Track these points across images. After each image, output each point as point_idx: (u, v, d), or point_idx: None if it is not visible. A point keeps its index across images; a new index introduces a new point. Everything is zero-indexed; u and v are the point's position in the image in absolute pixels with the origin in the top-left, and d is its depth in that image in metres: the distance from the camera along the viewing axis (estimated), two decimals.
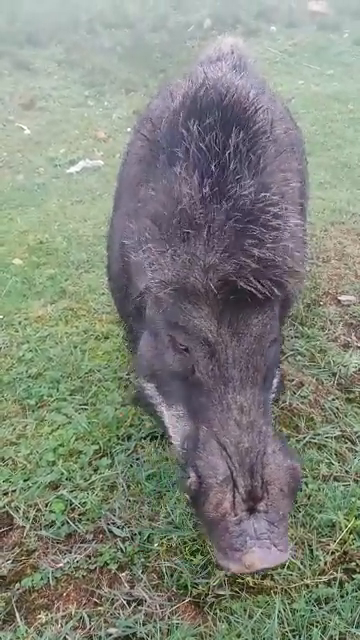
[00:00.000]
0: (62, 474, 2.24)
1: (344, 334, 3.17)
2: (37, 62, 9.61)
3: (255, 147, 1.45)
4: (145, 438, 2.43)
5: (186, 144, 1.44)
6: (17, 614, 1.66)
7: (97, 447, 2.38)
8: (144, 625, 1.61)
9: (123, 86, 8.58)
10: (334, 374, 2.82)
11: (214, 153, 1.40)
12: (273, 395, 1.78)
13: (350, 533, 1.84)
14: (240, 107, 1.48)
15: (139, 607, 1.67)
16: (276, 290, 1.40)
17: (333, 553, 1.80)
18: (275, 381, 1.78)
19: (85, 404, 2.66)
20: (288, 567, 1.73)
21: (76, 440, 2.43)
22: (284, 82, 8.28)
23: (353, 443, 2.36)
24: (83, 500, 2.11)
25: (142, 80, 8.66)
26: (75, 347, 3.07)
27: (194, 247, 1.39)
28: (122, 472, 2.23)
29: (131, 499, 2.11)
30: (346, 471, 2.18)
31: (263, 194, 1.39)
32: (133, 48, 9.48)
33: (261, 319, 1.48)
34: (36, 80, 9.06)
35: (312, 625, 1.58)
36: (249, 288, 1.36)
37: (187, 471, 1.47)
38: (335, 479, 2.13)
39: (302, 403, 2.61)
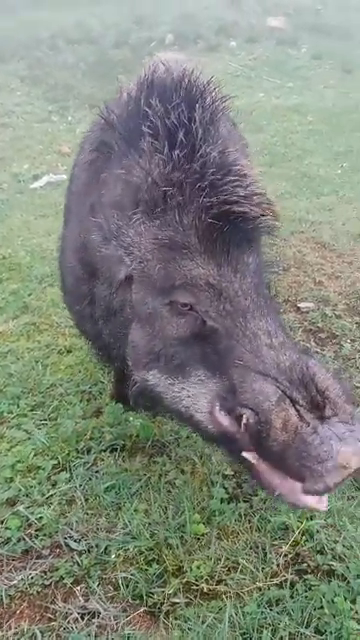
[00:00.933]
0: (20, 490, 2.22)
1: (303, 340, 3.23)
2: None
3: (214, 119, 1.58)
4: (105, 450, 2.43)
5: (152, 120, 1.54)
6: None
7: (56, 462, 2.36)
8: (96, 637, 1.60)
9: (86, 101, 8.62)
10: None
11: (182, 125, 1.51)
12: None
13: (302, 535, 1.87)
14: (198, 86, 1.62)
15: (92, 620, 1.65)
16: (261, 216, 1.47)
17: (286, 555, 1.82)
18: None
19: (45, 419, 2.64)
20: (241, 571, 1.74)
21: (35, 455, 2.41)
22: (245, 95, 8.44)
23: None
24: (40, 515, 2.09)
25: (105, 95, 8.68)
26: (37, 362, 3.05)
27: (178, 202, 1.47)
28: (80, 485, 2.22)
29: (89, 512, 2.10)
30: None
31: (228, 151, 1.51)
32: (96, 64, 9.56)
33: (253, 258, 1.53)
34: None
35: (263, 627, 1.59)
36: (241, 210, 1.44)
37: (237, 413, 1.40)
38: None
39: None
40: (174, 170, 1.48)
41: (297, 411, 1.31)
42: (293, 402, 1.33)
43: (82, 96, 8.80)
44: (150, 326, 1.66)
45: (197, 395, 1.57)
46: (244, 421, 1.37)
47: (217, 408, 1.49)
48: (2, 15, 12.40)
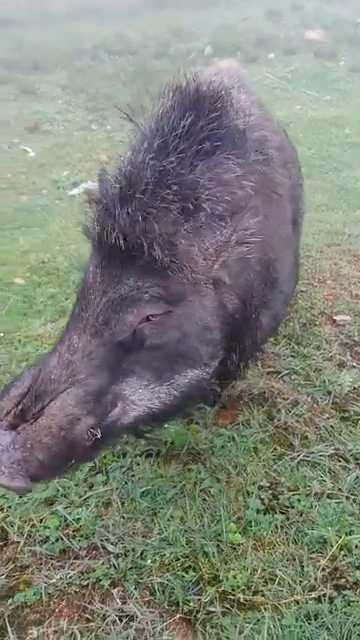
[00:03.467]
0: (57, 490, 2.25)
1: (339, 353, 3.20)
2: (42, 87, 9.83)
3: (198, 134, 1.58)
4: (140, 455, 2.45)
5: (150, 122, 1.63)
6: (9, 629, 1.67)
7: (92, 464, 2.40)
8: None
9: (126, 111, 8.75)
10: (329, 393, 2.84)
11: (165, 134, 1.56)
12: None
13: (341, 549, 1.86)
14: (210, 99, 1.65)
15: (130, 623, 1.67)
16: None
17: (323, 569, 1.81)
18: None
19: None
20: (279, 583, 1.74)
21: None
22: (283, 107, 8.44)
23: (347, 461, 2.37)
24: (77, 516, 2.12)
25: (144, 105, 8.83)
26: None
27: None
28: (117, 489, 2.25)
29: (125, 516, 2.13)
30: (339, 489, 2.20)
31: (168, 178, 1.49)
32: (136, 74, 9.69)
33: (130, 279, 1.51)
34: (41, 104, 9.26)
35: None
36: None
37: None
38: (327, 496, 2.14)
39: (297, 421, 2.63)
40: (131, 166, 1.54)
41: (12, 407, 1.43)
42: (19, 400, 1.44)
43: (121, 105, 8.93)
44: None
45: None
46: None
47: None
48: (46, 26, 12.73)
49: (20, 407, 1.41)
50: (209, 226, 1.53)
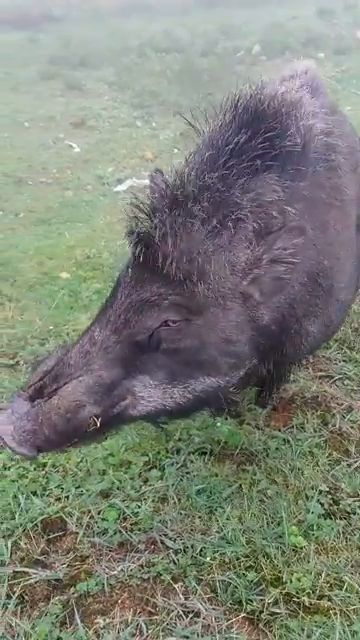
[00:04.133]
0: (113, 483, 2.28)
1: None
2: (88, 83, 9.94)
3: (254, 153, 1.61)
4: (194, 453, 2.46)
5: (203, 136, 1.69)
6: (77, 617, 1.70)
7: (147, 459, 2.42)
8: (202, 637, 1.62)
9: (171, 108, 8.77)
10: None
11: (217, 147, 1.62)
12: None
13: None
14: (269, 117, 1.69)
15: (195, 619, 1.68)
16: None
17: None
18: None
19: None
20: (346, 589, 1.72)
21: (126, 451, 2.47)
22: None
23: None
24: (135, 510, 2.14)
25: (190, 103, 8.83)
26: None
27: None
28: (172, 485, 2.26)
29: (182, 512, 2.14)
30: None
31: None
32: (182, 72, 9.70)
33: (154, 286, 1.58)
34: (87, 100, 9.36)
35: None
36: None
37: None
38: None
39: (352, 427, 2.60)
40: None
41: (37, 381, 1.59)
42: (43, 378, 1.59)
43: (167, 103, 8.96)
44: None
45: None
46: None
47: None
48: (94, 23, 12.87)
49: (40, 384, 1.56)
50: (239, 243, 1.56)
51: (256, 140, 1.63)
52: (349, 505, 2.11)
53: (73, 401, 1.51)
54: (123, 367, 1.56)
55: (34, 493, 2.24)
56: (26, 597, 1.84)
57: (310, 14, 13.36)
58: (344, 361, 3.13)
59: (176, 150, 7.32)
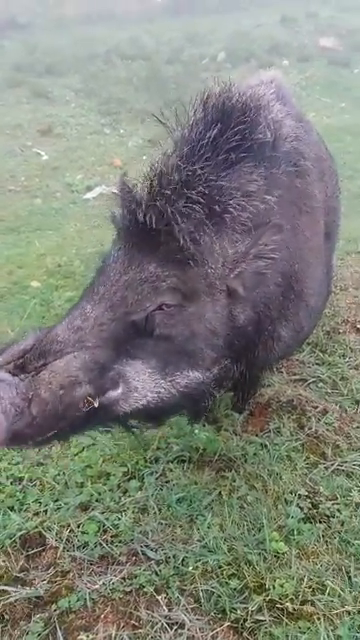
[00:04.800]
0: (92, 495, 2.26)
1: None
2: (55, 91, 9.86)
3: (223, 144, 1.65)
4: (173, 461, 2.45)
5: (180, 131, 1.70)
6: (59, 634, 1.67)
7: (125, 469, 2.40)
8: None
9: (138, 115, 8.78)
10: (357, 401, 2.85)
11: (189, 140, 1.65)
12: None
13: None
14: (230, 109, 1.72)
15: (180, 630, 1.67)
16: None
17: None
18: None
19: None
20: (329, 593, 1.74)
21: (104, 462, 2.45)
22: None
23: None
24: (115, 522, 2.12)
25: (157, 109, 8.84)
26: None
27: None
28: (152, 495, 2.25)
29: (163, 522, 2.13)
30: None
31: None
32: (149, 79, 9.72)
33: (151, 265, 1.58)
34: (54, 108, 9.29)
35: None
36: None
37: None
38: None
39: (327, 430, 2.63)
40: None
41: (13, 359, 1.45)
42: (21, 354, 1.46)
43: (134, 110, 8.97)
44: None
45: None
46: None
47: None
48: (59, 31, 12.79)
49: (21, 361, 1.42)
50: (232, 233, 1.60)
51: (229, 133, 1.67)
52: (328, 508, 2.13)
53: (68, 376, 1.41)
54: (116, 348, 1.50)
55: (11, 508, 2.19)
56: (6, 616, 1.80)
57: (273, 22, 13.56)
58: (317, 364, 3.17)
59: (145, 157, 7.33)
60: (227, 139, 1.66)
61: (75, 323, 1.49)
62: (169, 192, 1.51)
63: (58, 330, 1.49)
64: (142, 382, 1.57)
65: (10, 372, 1.40)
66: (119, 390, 1.54)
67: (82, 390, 1.44)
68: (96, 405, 1.45)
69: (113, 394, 1.53)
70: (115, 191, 1.68)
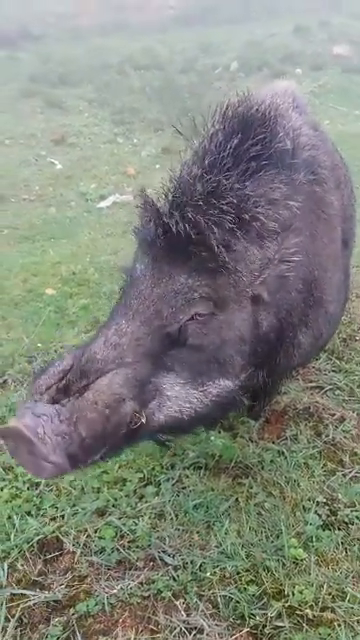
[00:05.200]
0: (108, 501, 2.26)
1: None
2: (69, 101, 9.98)
3: (245, 154, 1.64)
4: (189, 468, 2.45)
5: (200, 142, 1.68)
6: (78, 638, 1.67)
7: (141, 475, 2.40)
8: None
9: (152, 125, 8.86)
10: None
11: (210, 151, 1.63)
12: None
13: None
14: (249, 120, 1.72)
15: (199, 635, 1.67)
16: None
17: None
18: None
19: None
20: (349, 600, 1.72)
21: (120, 468, 2.45)
22: None
23: None
24: (132, 527, 2.12)
25: (170, 119, 8.92)
26: None
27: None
28: (169, 501, 2.25)
29: (180, 528, 2.12)
30: None
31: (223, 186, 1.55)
32: (162, 89, 9.81)
33: (183, 277, 1.57)
34: (67, 118, 9.40)
35: None
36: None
37: None
38: None
39: (345, 437, 2.61)
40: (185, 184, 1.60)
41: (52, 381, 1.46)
42: (60, 375, 1.47)
43: (147, 119, 9.05)
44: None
45: None
46: None
47: None
48: (74, 41, 12.97)
49: (63, 382, 1.44)
50: (260, 240, 1.60)
51: (250, 142, 1.67)
52: (347, 515, 2.12)
53: (113, 394, 1.42)
54: (153, 362, 1.52)
55: (29, 513, 2.20)
56: (25, 620, 1.81)
57: (287, 32, 13.65)
58: (334, 371, 3.16)
59: (158, 166, 7.38)
60: (248, 148, 1.67)
61: (112, 340, 1.50)
62: (200, 202, 1.51)
63: (95, 348, 1.49)
64: (176, 393, 1.58)
65: (51, 398, 1.42)
66: (154, 401, 1.55)
67: (128, 407, 1.45)
68: (144, 421, 1.48)
69: (151, 405, 1.55)
70: (137, 204, 1.66)
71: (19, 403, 1.44)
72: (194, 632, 1.68)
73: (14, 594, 1.88)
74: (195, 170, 1.60)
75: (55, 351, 3.41)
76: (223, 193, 1.54)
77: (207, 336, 1.57)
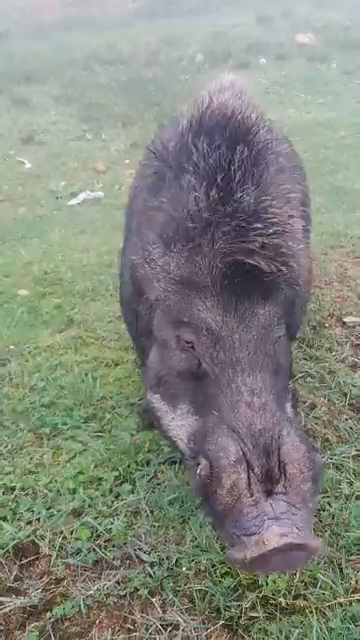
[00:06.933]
0: (84, 501, 2.25)
1: (351, 355, 3.22)
2: (35, 98, 9.86)
3: (257, 162, 1.59)
4: (164, 463, 2.45)
5: (195, 159, 1.58)
6: None
7: (117, 473, 2.39)
8: None
9: (119, 120, 8.80)
10: (345, 395, 2.86)
11: (221, 167, 1.54)
12: (290, 397, 1.74)
13: None
14: (245, 127, 1.64)
15: (175, 631, 1.68)
16: (277, 271, 1.49)
17: None
18: (290, 384, 1.78)
19: (100, 431, 2.68)
20: (320, 586, 1.75)
21: (95, 467, 2.44)
22: (276, 111, 8.52)
23: None
24: (108, 527, 2.12)
25: (138, 113, 8.88)
26: (86, 375, 3.08)
27: (200, 241, 1.50)
28: (144, 498, 2.25)
29: (156, 524, 2.13)
30: None
31: (264, 197, 1.52)
32: (128, 83, 9.77)
33: (266, 310, 1.54)
34: (34, 115, 9.29)
35: None
36: (253, 262, 1.46)
37: (197, 460, 1.44)
38: (357, 497, 2.15)
39: (316, 424, 2.64)
40: (204, 210, 1.50)
41: (248, 478, 1.30)
42: (249, 467, 1.32)
43: (115, 115, 9.00)
44: (161, 352, 1.74)
45: (180, 425, 1.64)
46: (197, 470, 1.41)
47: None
48: (37, 37, 12.79)
49: (256, 472, 1.32)
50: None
51: (253, 152, 1.62)
52: (318, 502, 2.14)
53: (304, 455, 1.35)
54: (280, 401, 1.52)
55: (4, 518, 2.18)
56: (0, 627, 1.79)
57: (249, 22, 13.65)
58: (305, 359, 3.18)
59: (127, 161, 7.34)
60: (255, 157, 1.60)
61: (255, 403, 1.43)
62: (270, 225, 1.49)
63: (247, 419, 1.40)
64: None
65: (265, 491, 1.30)
66: None
67: (317, 458, 1.41)
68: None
69: None
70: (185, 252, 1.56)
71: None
72: (169, 628, 1.69)
73: None
74: (231, 190, 1.52)
75: (29, 352, 3.38)
76: (267, 210, 1.51)
77: (284, 354, 1.61)
